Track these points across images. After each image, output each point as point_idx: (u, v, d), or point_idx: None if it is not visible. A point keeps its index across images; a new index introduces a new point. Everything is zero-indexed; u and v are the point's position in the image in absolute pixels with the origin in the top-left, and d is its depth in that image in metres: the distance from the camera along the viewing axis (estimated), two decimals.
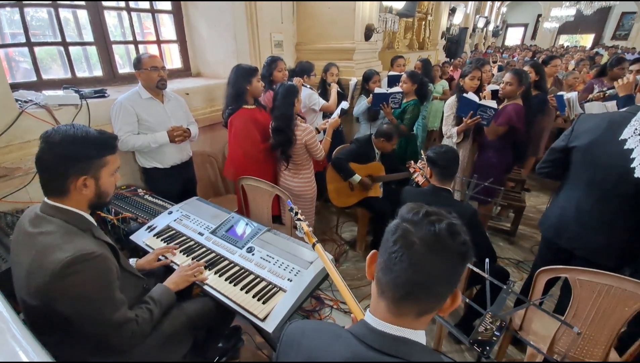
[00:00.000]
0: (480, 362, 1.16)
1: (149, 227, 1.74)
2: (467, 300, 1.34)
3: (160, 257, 1.50)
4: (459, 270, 0.62)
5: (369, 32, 3.73)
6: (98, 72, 2.67)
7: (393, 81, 3.43)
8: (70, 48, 2.42)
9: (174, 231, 1.70)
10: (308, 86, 3.00)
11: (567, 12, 12.97)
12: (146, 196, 2.19)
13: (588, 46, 16.85)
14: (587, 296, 1.37)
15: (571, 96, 2.66)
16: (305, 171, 2.41)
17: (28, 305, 1.02)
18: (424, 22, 5.99)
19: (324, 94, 3.25)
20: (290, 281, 1.33)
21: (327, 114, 3.18)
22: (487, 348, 1.09)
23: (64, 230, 1.03)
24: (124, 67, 2.87)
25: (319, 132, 2.50)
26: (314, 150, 2.28)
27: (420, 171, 2.19)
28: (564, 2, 12.81)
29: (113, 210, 1.91)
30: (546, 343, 1.56)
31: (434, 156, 1.79)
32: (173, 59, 3.39)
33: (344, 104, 2.57)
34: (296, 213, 1.31)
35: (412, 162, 2.39)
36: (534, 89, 3.18)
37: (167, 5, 3.11)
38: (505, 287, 1.13)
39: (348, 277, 2.72)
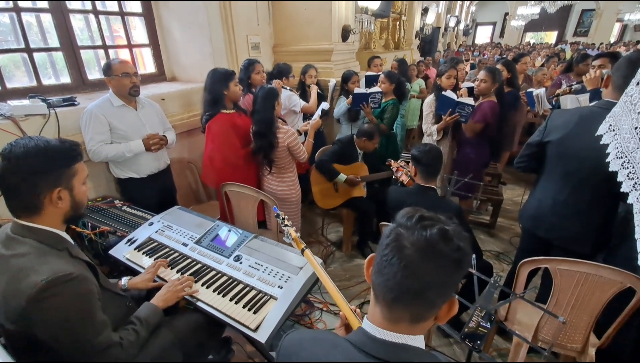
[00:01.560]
0: (471, 358, 1.18)
1: (129, 240, 1.66)
2: (455, 296, 1.36)
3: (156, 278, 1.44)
4: (453, 277, 0.61)
5: (345, 33, 3.75)
6: (66, 78, 2.54)
7: (371, 81, 3.47)
8: (35, 54, 2.29)
9: (156, 244, 1.64)
10: (288, 88, 2.98)
11: (532, 10, 13.57)
12: (124, 208, 2.10)
13: (552, 42, 17.75)
14: (567, 285, 1.43)
15: (539, 92, 2.79)
16: (288, 174, 2.38)
17: (7, 329, 0.96)
18: (398, 22, 6.09)
19: (304, 96, 3.24)
20: (281, 288, 1.31)
21: (307, 116, 3.17)
22: (478, 342, 1.11)
23: (39, 250, 0.97)
24: (94, 72, 2.74)
25: (300, 134, 2.48)
26: (296, 152, 2.26)
27: (403, 171, 2.22)
28: (529, 1, 13.38)
29: (89, 224, 1.82)
30: (530, 331, 1.62)
31: (419, 155, 1.82)
32: (146, 63, 3.28)
33: (324, 105, 2.57)
34: (283, 219, 1.29)
35: (392, 161, 2.42)
36: (507, 86, 3.31)
37: (138, 7, 3.00)
38: (492, 281, 1.16)
39: (336, 278, 2.72)
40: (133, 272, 1.51)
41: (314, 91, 3.10)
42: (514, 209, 3.76)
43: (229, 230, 1.65)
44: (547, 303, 1.52)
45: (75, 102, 2.22)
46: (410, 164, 1.93)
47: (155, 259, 1.52)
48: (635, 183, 0.72)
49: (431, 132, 2.87)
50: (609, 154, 0.87)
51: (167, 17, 3.12)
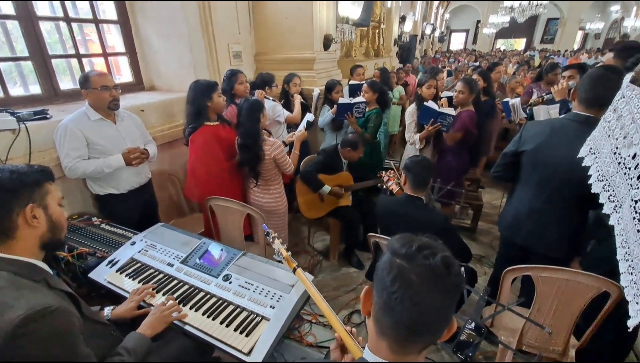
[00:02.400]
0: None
1: (109, 262, 1.59)
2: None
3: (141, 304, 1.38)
4: (455, 300, 0.63)
5: (327, 42, 3.78)
6: (36, 89, 2.42)
7: (354, 90, 3.51)
8: (1, 63, 2.16)
9: (139, 264, 1.57)
10: (270, 98, 2.96)
11: (503, 19, 14.19)
12: (103, 226, 2.01)
13: (521, 49, 18.66)
14: (549, 292, 1.49)
15: (515, 101, 2.92)
16: (275, 186, 2.36)
17: None
18: (377, 31, 6.21)
19: (287, 105, 3.23)
20: (273, 308, 1.29)
21: (291, 126, 3.17)
22: (470, 355, 1.14)
23: (14, 283, 0.91)
24: (66, 81, 2.62)
25: (286, 145, 2.47)
26: (283, 165, 2.25)
27: (394, 180, 2.25)
28: (499, 10, 14.00)
29: (66, 245, 1.73)
30: (515, 336, 1.67)
31: (411, 164, 1.86)
32: (122, 71, 3.17)
33: (309, 117, 2.57)
34: (273, 238, 1.27)
35: (384, 172, 2.46)
36: (483, 95, 3.44)
37: (113, 14, 2.91)
38: (480, 294, 1.19)
39: (325, 288, 2.72)
40: (115, 296, 1.44)
41: (297, 100, 3.10)
42: (493, 212, 3.88)
43: (216, 248, 1.62)
44: (529, 307, 1.58)
45: (48, 116, 2.11)
46: (401, 173, 1.97)
47: (139, 281, 1.46)
48: (616, 206, 0.76)
49: (414, 141, 2.93)
50: (588, 169, 0.92)
51: (145, 25, 3.04)
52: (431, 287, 0.59)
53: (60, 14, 2.50)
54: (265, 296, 1.34)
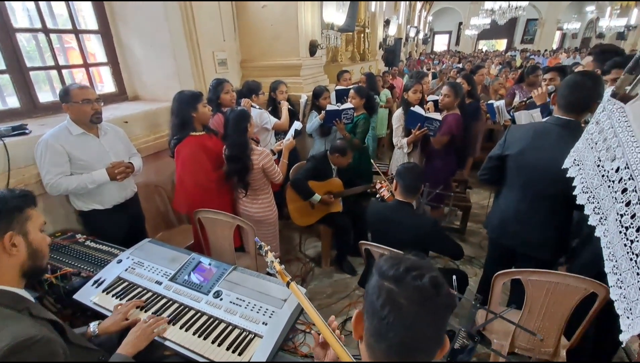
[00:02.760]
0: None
1: (95, 282, 1.54)
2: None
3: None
4: (446, 320, 0.63)
5: (313, 48, 3.78)
6: (14, 102, 2.34)
7: (341, 95, 3.52)
8: None
9: (126, 283, 1.53)
10: (257, 106, 2.94)
11: (484, 21, 14.51)
12: (88, 243, 1.95)
13: (503, 49, 19.12)
14: (538, 294, 1.52)
15: (499, 104, 2.98)
16: (264, 195, 2.34)
17: None
18: (362, 35, 6.26)
19: (275, 112, 3.21)
20: (266, 324, 1.27)
21: (280, 133, 3.15)
22: (465, 360, 1.14)
23: None
24: (45, 93, 2.55)
25: (274, 154, 2.45)
26: (272, 174, 2.23)
27: (386, 186, 2.27)
28: (480, 13, 14.33)
29: (49, 266, 1.67)
30: (508, 339, 1.69)
31: (402, 171, 1.87)
32: (104, 81, 3.11)
33: (297, 125, 2.56)
34: (266, 251, 1.25)
35: (377, 180, 2.48)
36: (468, 97, 3.49)
37: (93, 24, 2.85)
38: (472, 302, 1.20)
39: (318, 296, 2.70)
40: (102, 317, 1.40)
41: (284, 107, 3.09)
42: (481, 212, 3.94)
43: (206, 263, 1.58)
44: (520, 308, 1.60)
45: (27, 131, 2.05)
46: (392, 179, 1.98)
47: (127, 301, 1.42)
48: (601, 218, 0.78)
49: (402, 145, 2.95)
50: (574, 179, 0.94)
51: (127, 34, 2.98)
52: (421, 309, 0.58)
53: (38, 22, 2.43)
54: (258, 312, 1.32)
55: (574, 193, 0.94)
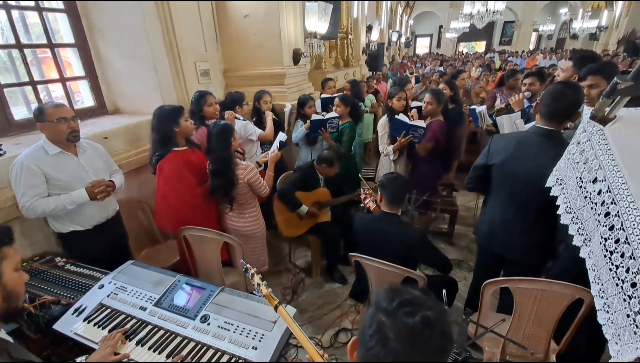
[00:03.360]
0: None
1: (76, 310, 1.47)
2: None
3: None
4: (439, 362, 0.61)
5: (297, 57, 3.77)
6: None
7: (326, 103, 3.52)
8: None
9: (109, 310, 1.47)
10: (241, 118, 2.90)
11: (463, 24, 14.85)
12: (68, 266, 1.88)
13: (482, 50, 19.61)
14: (527, 302, 1.53)
15: (482, 109, 3.04)
16: (251, 209, 2.30)
17: None
18: (345, 41, 6.30)
19: (259, 123, 3.19)
20: (256, 349, 1.23)
21: (265, 143, 3.12)
22: None
23: None
24: (19, 108, 2.45)
25: (260, 166, 2.43)
26: (257, 188, 2.20)
27: (371, 197, 2.26)
28: (459, 17, 14.68)
29: (27, 294, 1.59)
30: (499, 346, 1.70)
31: (386, 182, 1.87)
32: (83, 95, 3.02)
33: (282, 137, 2.54)
34: (252, 275, 1.22)
35: (362, 190, 2.48)
36: (450, 102, 3.55)
37: (70, 38, 2.76)
38: (463, 316, 1.20)
39: (310, 307, 2.67)
40: (84, 349, 1.34)
41: (269, 117, 3.06)
42: (468, 214, 3.99)
43: (192, 285, 1.54)
44: (510, 313, 1.62)
45: (1, 151, 1.97)
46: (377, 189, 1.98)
47: (109, 330, 1.36)
48: (585, 239, 0.79)
49: (388, 152, 2.97)
50: (559, 206, 0.95)
51: (105, 47, 2.91)
52: (407, 347, 0.57)
53: (11, 36, 2.34)
54: (247, 336, 1.28)
55: (557, 212, 0.95)
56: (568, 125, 1.66)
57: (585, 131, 0.84)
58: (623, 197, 0.63)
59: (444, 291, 1.28)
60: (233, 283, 2.17)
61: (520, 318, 1.59)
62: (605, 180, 0.69)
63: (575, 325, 1.54)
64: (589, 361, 1.75)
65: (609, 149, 0.71)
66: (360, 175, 3.31)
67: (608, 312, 0.64)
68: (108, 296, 1.53)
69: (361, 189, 2.58)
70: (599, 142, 0.75)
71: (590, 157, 0.77)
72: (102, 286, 1.58)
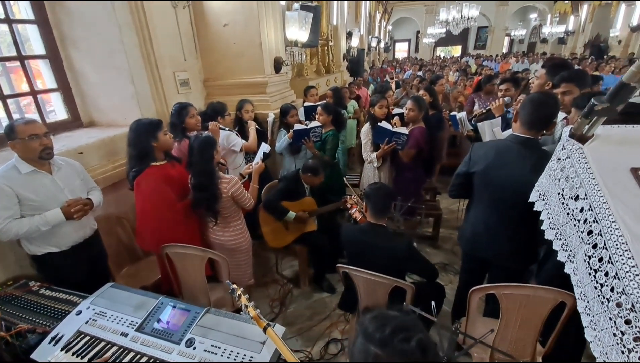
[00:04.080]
0: None
1: (52, 338, 1.39)
2: None
3: None
4: None
5: (278, 65, 3.76)
6: None
7: (309, 111, 3.52)
8: None
9: (88, 338, 1.39)
10: (226, 129, 2.86)
11: (439, 30, 15.27)
12: (43, 291, 1.78)
13: (458, 54, 20.22)
14: (513, 307, 1.56)
15: (462, 115, 3.11)
16: (236, 222, 2.26)
17: None
18: (326, 48, 6.34)
19: (242, 132, 3.15)
20: None
21: (249, 153, 3.08)
22: None
23: None
24: None
25: (243, 178, 2.39)
26: (242, 201, 2.16)
27: (357, 207, 2.26)
28: (435, 23, 15.11)
29: (3, 323, 1.49)
30: (487, 350, 1.72)
31: (370, 192, 1.87)
32: (56, 107, 2.90)
33: (265, 148, 2.52)
34: (239, 296, 1.19)
35: (348, 198, 2.48)
36: (431, 108, 3.62)
37: (41, 49, 2.65)
38: (453, 328, 1.21)
39: (299, 319, 2.64)
40: None
41: (252, 127, 3.03)
42: (451, 217, 4.06)
43: (176, 307, 1.48)
44: (497, 317, 1.65)
45: None
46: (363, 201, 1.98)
47: (89, 360, 1.29)
48: (569, 255, 0.81)
49: (372, 159, 2.99)
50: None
51: (78, 58, 2.81)
52: None
53: None
54: (235, 359, 1.24)
55: (541, 228, 0.97)
56: (544, 132, 1.71)
57: (564, 148, 0.86)
58: (605, 216, 0.65)
59: (433, 303, 1.29)
60: (219, 300, 2.11)
61: (507, 323, 1.62)
62: (586, 198, 0.71)
63: (559, 328, 1.58)
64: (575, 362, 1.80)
65: (589, 168, 0.73)
66: (345, 180, 3.33)
67: (595, 330, 0.65)
68: (86, 322, 1.45)
69: (347, 196, 2.58)
70: (578, 160, 0.78)
71: (571, 174, 0.79)
72: (79, 312, 1.51)
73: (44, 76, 2.77)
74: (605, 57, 11.28)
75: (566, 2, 15.01)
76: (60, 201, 1.83)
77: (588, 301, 0.69)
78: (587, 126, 0.79)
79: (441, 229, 3.73)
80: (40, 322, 1.54)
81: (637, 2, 10.80)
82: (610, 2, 12.92)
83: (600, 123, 0.79)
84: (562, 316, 1.53)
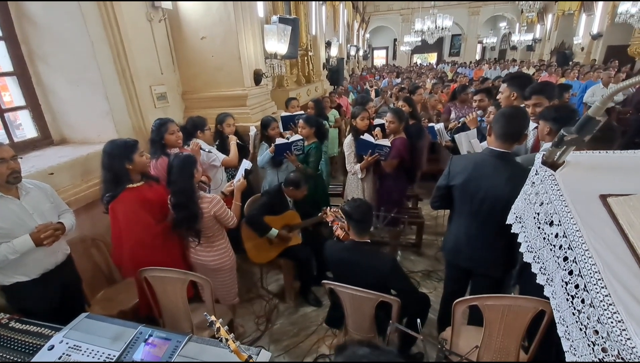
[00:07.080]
0: None
1: None
2: None
3: None
4: None
5: (258, 77, 3.75)
6: None
7: (286, 121, 3.52)
8: None
9: None
10: (207, 149, 2.79)
11: (415, 38, 15.72)
12: (12, 324, 1.66)
13: (434, 61, 20.88)
14: (495, 317, 1.60)
15: (439, 127, 3.21)
16: (219, 241, 2.21)
17: None
18: (306, 58, 6.39)
19: (222, 146, 3.10)
20: None
21: (230, 169, 3.04)
22: None
23: None
24: None
25: (225, 195, 2.35)
26: (225, 219, 2.11)
27: (338, 224, 2.26)
28: (411, 32, 15.58)
29: None
30: (473, 359, 1.75)
31: (350, 210, 1.86)
32: (24, 123, 2.76)
33: (247, 164, 2.48)
34: (218, 329, 1.15)
35: (328, 209, 2.47)
36: (410, 118, 3.70)
37: (8, 66, 2.53)
38: (439, 345, 1.22)
39: (285, 335, 2.60)
40: None
41: (233, 142, 2.99)
42: (433, 223, 4.13)
43: (157, 336, 1.43)
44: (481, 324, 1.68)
45: None
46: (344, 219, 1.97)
47: None
48: (548, 279, 0.83)
49: (355, 171, 3.02)
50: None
51: (48, 74, 2.70)
52: None
53: None
54: None
55: (520, 250, 1.00)
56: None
57: (537, 174, 0.90)
58: (578, 244, 0.67)
59: (418, 320, 1.29)
60: (202, 322, 2.04)
61: (490, 333, 1.65)
62: (560, 224, 0.74)
63: (540, 336, 1.63)
64: None
65: (561, 195, 0.77)
66: (328, 194, 3.34)
67: (575, 355, 0.67)
68: (59, 358, 1.37)
69: (326, 208, 2.58)
70: (551, 187, 0.81)
71: (545, 200, 0.82)
72: (52, 347, 1.42)
73: (12, 93, 2.64)
74: (570, 63, 11.91)
75: (529, 15, 15.84)
76: (29, 227, 1.74)
77: (567, 326, 0.71)
78: (558, 153, 0.83)
79: (424, 235, 3.78)
80: (10, 357, 1.45)
81: (592, 14, 11.55)
82: (571, 12, 13.72)
83: (570, 152, 0.82)
84: (542, 324, 1.57)
